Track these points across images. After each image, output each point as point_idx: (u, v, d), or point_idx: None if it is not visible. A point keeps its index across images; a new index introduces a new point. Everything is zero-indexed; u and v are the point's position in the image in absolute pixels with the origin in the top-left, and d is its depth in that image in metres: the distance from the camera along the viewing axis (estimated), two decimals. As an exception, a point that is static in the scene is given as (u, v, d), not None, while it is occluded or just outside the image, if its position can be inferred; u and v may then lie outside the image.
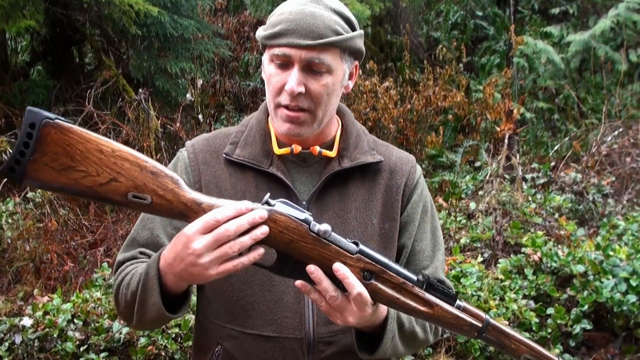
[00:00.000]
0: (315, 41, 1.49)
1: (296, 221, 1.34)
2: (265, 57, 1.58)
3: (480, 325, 1.39)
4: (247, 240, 1.30)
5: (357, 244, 1.37)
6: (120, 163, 1.27)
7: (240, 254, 1.32)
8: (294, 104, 1.52)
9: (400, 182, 1.68)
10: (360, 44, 1.60)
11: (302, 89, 1.51)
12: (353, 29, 1.58)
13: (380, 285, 1.36)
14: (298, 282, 1.35)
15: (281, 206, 1.35)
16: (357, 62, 1.63)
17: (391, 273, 1.37)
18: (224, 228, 1.28)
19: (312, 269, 1.33)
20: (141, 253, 1.61)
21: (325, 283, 1.33)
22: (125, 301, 1.53)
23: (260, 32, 1.58)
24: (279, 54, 1.51)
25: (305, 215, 1.35)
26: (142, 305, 1.47)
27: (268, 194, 1.36)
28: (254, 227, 1.31)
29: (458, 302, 1.40)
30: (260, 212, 1.31)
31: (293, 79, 1.50)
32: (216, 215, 1.29)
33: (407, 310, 1.39)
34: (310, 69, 1.51)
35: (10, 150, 5.26)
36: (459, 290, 4.25)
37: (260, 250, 1.33)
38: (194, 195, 1.33)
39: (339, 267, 1.33)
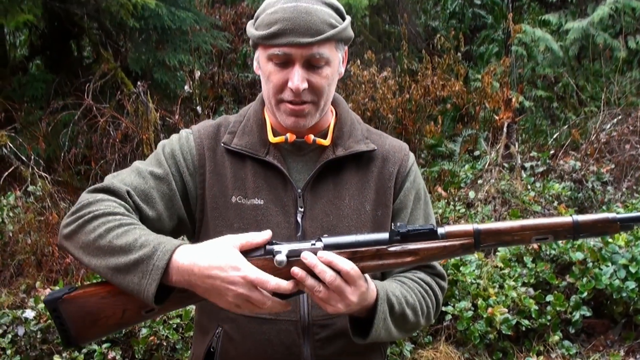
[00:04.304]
0: (314, 38, 1.52)
1: (266, 259, 1.40)
2: (262, 56, 1.60)
3: (472, 240, 1.42)
4: None
5: (319, 239, 1.42)
6: (119, 295, 1.44)
7: None
8: (298, 100, 1.56)
9: (393, 169, 1.71)
10: (351, 31, 1.64)
11: (305, 85, 1.54)
12: (343, 18, 1.62)
13: (360, 264, 1.40)
14: (294, 270, 1.38)
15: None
16: (347, 47, 1.67)
17: (362, 249, 1.41)
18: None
19: (297, 271, 1.38)
20: (128, 193, 1.55)
21: (319, 267, 1.37)
22: (96, 237, 1.44)
23: (253, 30, 1.60)
24: (279, 54, 1.54)
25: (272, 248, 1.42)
26: (125, 269, 1.40)
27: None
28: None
29: (440, 230, 1.42)
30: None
31: (297, 78, 1.53)
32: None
33: (396, 267, 1.45)
34: (311, 64, 1.55)
35: (10, 145, 5.28)
36: (459, 278, 4.27)
37: None
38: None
39: (322, 254, 1.38)
